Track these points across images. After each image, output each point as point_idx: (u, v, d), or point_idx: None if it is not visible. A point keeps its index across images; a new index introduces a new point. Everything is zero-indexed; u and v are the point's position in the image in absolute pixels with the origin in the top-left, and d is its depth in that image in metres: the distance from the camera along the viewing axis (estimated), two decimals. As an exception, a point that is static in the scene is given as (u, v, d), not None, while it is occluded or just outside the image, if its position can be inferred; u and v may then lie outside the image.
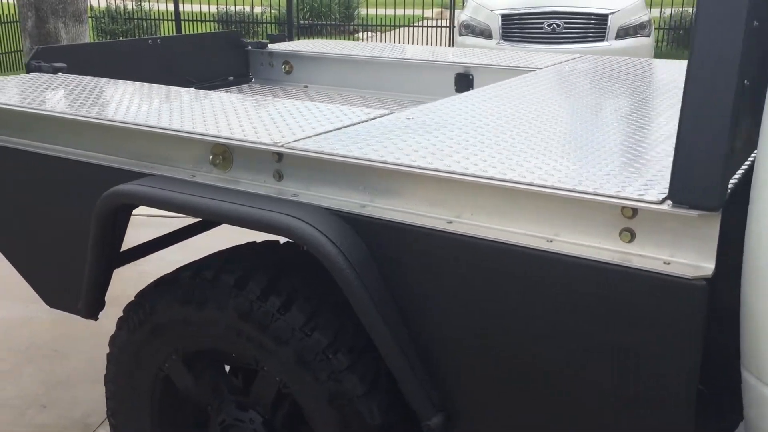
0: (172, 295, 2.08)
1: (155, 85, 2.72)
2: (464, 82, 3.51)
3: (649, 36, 9.45)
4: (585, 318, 1.55)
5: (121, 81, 2.80)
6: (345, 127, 2.11)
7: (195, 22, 16.99)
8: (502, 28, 9.44)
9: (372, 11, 19.64)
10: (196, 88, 2.76)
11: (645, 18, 9.43)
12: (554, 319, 1.59)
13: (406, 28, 17.20)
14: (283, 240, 2.63)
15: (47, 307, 4.36)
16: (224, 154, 2.03)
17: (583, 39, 9.23)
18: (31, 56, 3.08)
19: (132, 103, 2.40)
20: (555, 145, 1.89)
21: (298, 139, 1.96)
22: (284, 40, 4.21)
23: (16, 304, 4.37)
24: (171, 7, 16.37)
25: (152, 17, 17.02)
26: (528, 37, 9.33)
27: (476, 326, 1.70)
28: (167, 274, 2.16)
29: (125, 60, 3.50)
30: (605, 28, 9.18)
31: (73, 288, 2.35)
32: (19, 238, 2.48)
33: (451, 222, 1.69)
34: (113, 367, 2.28)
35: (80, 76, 2.93)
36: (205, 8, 17.52)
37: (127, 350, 2.22)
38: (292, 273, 2.04)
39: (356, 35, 19.99)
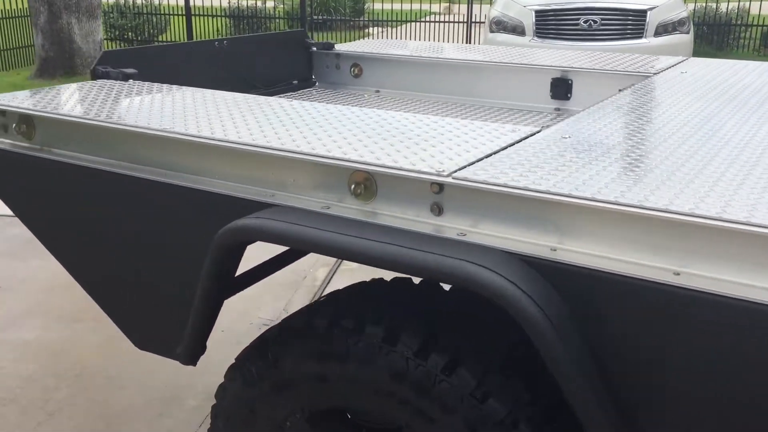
0: (304, 347, 1.78)
1: (255, 97, 2.41)
2: (562, 87, 3.21)
3: (688, 33, 9.15)
4: None
5: (209, 91, 2.50)
6: (502, 149, 1.81)
7: (206, 17, 16.65)
8: (536, 24, 9.13)
9: (379, 6, 19.34)
10: (262, 93, 2.49)
11: (684, 14, 9.13)
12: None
13: (418, 24, 16.85)
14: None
15: (91, 326, 4.07)
16: (366, 182, 1.73)
17: (621, 36, 8.93)
18: (96, 61, 2.78)
19: (237, 119, 2.10)
20: None
21: (462, 167, 1.66)
22: None
23: (59, 324, 4.07)
24: (181, 1, 16.04)
25: (162, 12, 16.67)
26: (563, 34, 9.03)
27: (713, 395, 1.40)
28: (293, 319, 1.86)
29: (189, 63, 3.20)
30: (644, 25, 8.88)
31: (172, 330, 2.06)
32: (109, 272, 2.17)
33: (678, 274, 1.40)
34: (222, 422, 1.98)
35: (157, 84, 2.62)
36: (216, 2, 17.18)
37: (241, 405, 1.92)
38: (450, 323, 1.74)
39: (366, 30, 19.66)
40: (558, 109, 3.22)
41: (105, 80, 2.71)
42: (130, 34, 16.62)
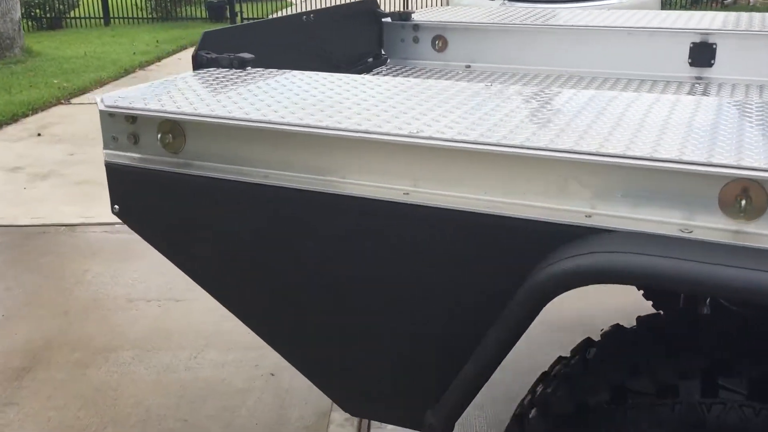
0: (652, 419, 1.34)
1: (436, 81, 1.91)
2: (704, 53, 2.82)
3: (656, -11, 8.99)
4: None
5: (368, 77, 1.99)
6: None
7: (122, -10, 15.56)
8: (507, -15, 8.77)
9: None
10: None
11: (652, -30, 8.95)
12: None
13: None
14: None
15: (137, 356, 3.42)
16: (749, 195, 1.29)
17: (594, -5, 8.68)
18: (199, 45, 2.20)
19: (480, 114, 1.61)
20: None
21: None
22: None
23: (95, 357, 3.46)
24: (94, -27, 14.91)
25: (73, -15, 15.47)
26: (535, -5, 8.69)
27: None
28: (606, 382, 1.41)
29: (279, 42, 2.65)
30: (615, -17, 8.65)
31: (421, 396, 1.58)
32: (316, 325, 1.66)
33: None
34: None
35: (286, 71, 2.08)
36: (131, -26, 16.07)
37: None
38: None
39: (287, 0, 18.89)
40: (699, 78, 2.84)
41: (217, 69, 2.15)
42: (37, 11, 15.37)
